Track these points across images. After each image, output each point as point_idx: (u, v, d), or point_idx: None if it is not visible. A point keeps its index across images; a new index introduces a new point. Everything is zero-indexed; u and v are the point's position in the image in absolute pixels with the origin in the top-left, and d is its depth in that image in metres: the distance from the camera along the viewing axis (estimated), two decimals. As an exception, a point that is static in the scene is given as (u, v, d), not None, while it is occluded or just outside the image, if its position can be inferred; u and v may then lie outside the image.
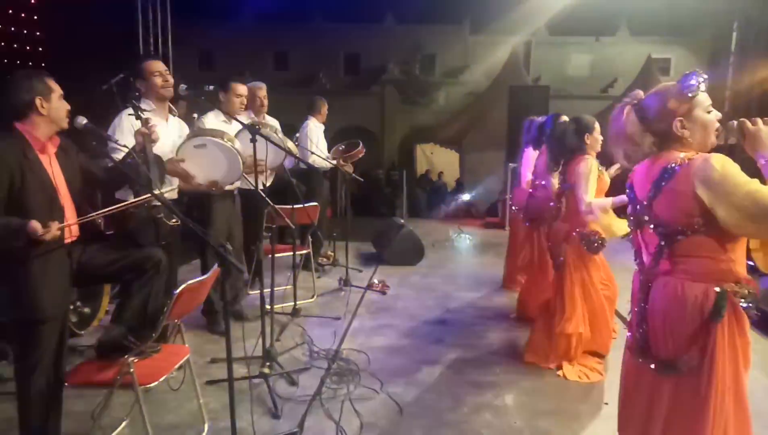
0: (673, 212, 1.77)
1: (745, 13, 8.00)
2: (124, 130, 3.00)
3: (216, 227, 3.90)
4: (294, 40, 20.85)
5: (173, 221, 2.91)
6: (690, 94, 1.77)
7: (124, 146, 2.71)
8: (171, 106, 3.42)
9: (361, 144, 5.91)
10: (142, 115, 2.82)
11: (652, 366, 1.87)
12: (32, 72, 2.39)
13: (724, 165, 1.66)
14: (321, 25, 20.90)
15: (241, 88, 4.03)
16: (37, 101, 2.31)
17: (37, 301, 2.26)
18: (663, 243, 1.82)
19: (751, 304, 1.76)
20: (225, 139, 3.30)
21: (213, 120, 3.95)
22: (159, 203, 2.70)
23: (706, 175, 1.67)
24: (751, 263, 1.84)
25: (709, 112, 1.81)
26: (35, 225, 2.13)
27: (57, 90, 2.38)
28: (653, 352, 1.88)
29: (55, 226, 2.18)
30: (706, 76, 1.78)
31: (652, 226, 1.85)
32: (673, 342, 1.81)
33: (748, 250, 1.85)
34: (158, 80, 3.23)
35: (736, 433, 1.77)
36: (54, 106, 2.36)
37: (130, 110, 2.88)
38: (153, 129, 2.78)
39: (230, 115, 3.72)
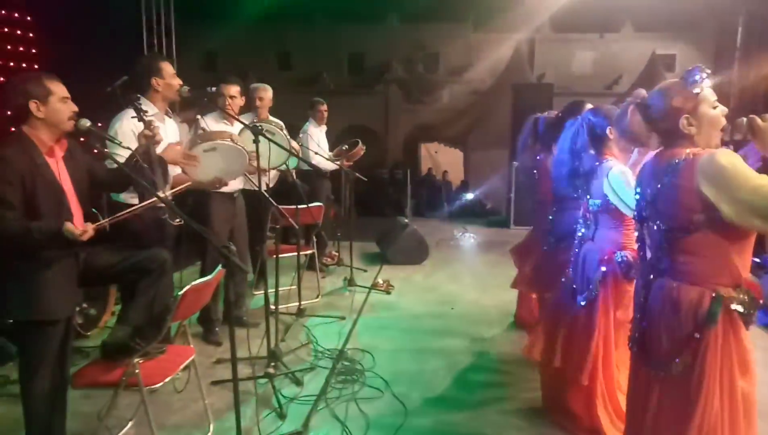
0: (675, 208, 1.76)
1: (750, 9, 7.94)
2: (126, 133, 2.98)
3: (214, 229, 3.84)
4: (297, 40, 20.89)
5: (177, 222, 2.91)
6: (695, 91, 1.75)
7: (127, 148, 2.70)
8: (167, 108, 3.42)
9: (359, 142, 5.87)
10: (145, 117, 2.81)
11: (646, 363, 1.88)
12: (31, 75, 2.36)
13: (730, 160, 1.64)
14: (324, 24, 20.92)
15: (231, 89, 3.95)
16: (32, 105, 2.24)
17: (46, 303, 2.26)
18: (665, 240, 1.81)
19: (750, 311, 1.72)
20: (231, 140, 3.31)
21: (212, 122, 3.92)
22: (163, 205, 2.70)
23: (712, 171, 1.65)
24: (756, 260, 1.81)
25: (714, 108, 1.78)
26: (71, 227, 2.15)
27: (58, 93, 2.30)
28: (647, 349, 1.88)
29: (90, 227, 2.20)
30: (709, 71, 1.76)
31: (656, 222, 1.84)
32: (666, 343, 1.80)
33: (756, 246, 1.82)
34: (176, 82, 3.24)
35: None
36: (53, 108, 2.28)
37: (132, 112, 2.87)
38: (156, 131, 2.77)
39: (228, 116, 3.69)
